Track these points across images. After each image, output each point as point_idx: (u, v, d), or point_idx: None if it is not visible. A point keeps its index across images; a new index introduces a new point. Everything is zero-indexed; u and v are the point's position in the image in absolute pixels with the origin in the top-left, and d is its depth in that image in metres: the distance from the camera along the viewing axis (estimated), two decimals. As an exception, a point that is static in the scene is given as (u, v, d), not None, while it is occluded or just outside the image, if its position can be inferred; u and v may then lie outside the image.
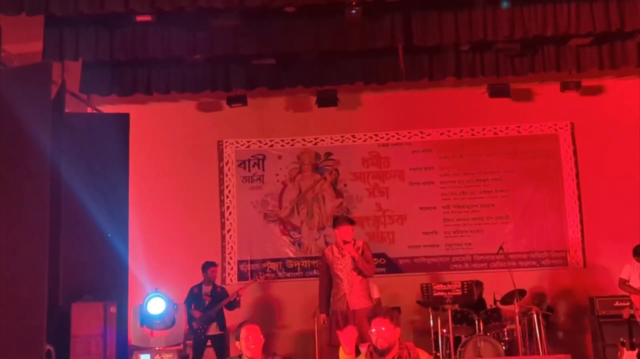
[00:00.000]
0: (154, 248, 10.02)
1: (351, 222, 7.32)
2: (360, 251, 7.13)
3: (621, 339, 8.63)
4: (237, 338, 4.85)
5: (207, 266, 9.06)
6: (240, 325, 4.95)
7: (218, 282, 9.51)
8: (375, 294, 9.38)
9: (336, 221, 7.42)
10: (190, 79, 10.03)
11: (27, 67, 8.84)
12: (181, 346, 5.83)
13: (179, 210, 10.56)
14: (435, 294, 8.03)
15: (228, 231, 10.79)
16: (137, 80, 10.00)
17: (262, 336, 4.88)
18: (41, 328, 8.47)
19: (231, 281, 10.56)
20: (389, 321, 4.75)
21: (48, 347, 8.57)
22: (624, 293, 8.91)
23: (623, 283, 8.47)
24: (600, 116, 10.57)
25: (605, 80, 10.58)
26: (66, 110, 9.67)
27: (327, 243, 10.51)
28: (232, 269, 10.68)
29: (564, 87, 10.25)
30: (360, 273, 7.14)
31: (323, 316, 7.29)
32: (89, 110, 10.42)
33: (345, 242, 7.15)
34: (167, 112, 10.78)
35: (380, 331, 4.70)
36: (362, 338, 6.71)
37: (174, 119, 10.80)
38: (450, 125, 10.84)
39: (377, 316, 4.80)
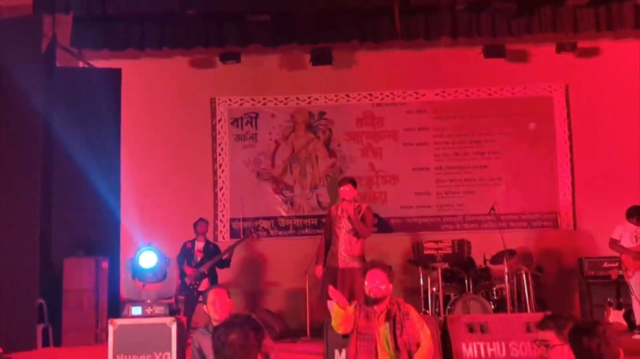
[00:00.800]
0: (146, 204, 10.02)
1: (352, 182, 7.50)
2: (360, 215, 7.36)
3: (608, 300, 8.75)
4: (205, 302, 4.88)
5: (196, 222, 9.07)
6: (209, 289, 4.99)
7: (210, 239, 9.53)
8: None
9: (340, 181, 7.70)
10: (183, 35, 9.94)
11: (17, 19, 8.75)
12: (172, 300, 5.88)
13: (172, 167, 10.53)
14: (425, 252, 8.10)
15: (220, 189, 10.79)
16: (130, 35, 9.91)
17: (229, 299, 4.91)
18: (34, 282, 8.53)
19: (223, 238, 10.59)
20: (385, 276, 4.82)
21: (40, 301, 8.64)
22: (613, 254, 8.99)
23: (614, 243, 8.53)
24: (595, 78, 10.53)
25: (602, 42, 10.51)
26: (57, 65, 9.62)
27: (319, 203, 10.57)
28: (224, 227, 10.70)
29: (560, 48, 10.19)
30: (355, 233, 7.33)
31: (318, 267, 7.56)
32: (81, 64, 10.34)
33: (343, 200, 7.39)
34: (160, 68, 10.68)
35: (375, 283, 4.76)
36: (351, 295, 6.83)
37: (166, 75, 10.71)
38: (445, 86, 10.79)
39: (374, 268, 4.86)
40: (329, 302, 7.09)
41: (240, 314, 3.10)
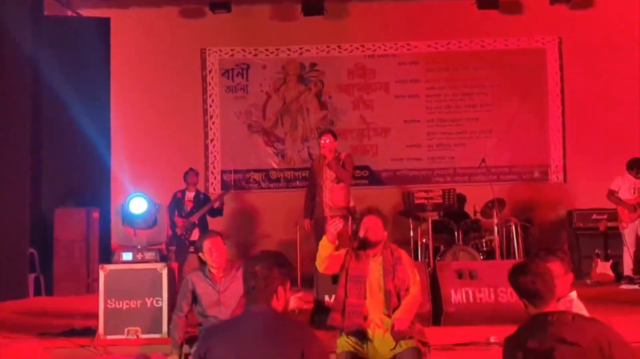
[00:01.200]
0: (136, 154, 9.99)
1: (332, 134, 7.62)
2: (340, 162, 7.50)
3: (596, 251, 8.84)
4: (200, 250, 4.90)
5: (187, 172, 9.04)
6: (203, 237, 4.99)
7: (201, 190, 9.53)
8: (351, 202, 9.49)
9: (320, 133, 7.92)
10: (172, -17, 9.80)
11: (4, -34, 8.58)
12: (163, 246, 5.89)
13: (162, 118, 10.46)
14: (416, 201, 8.12)
15: (211, 141, 10.74)
16: (118, -18, 9.75)
17: (224, 246, 4.96)
18: (24, 232, 8.56)
19: (214, 190, 10.58)
20: (381, 222, 4.83)
21: (31, 251, 8.67)
22: (602, 206, 9.06)
23: (612, 194, 8.56)
24: (589, 31, 10.46)
25: (595, -7, 10.44)
26: (45, 14, 9.49)
27: (310, 155, 10.53)
28: (215, 179, 10.69)
29: (553, 0, 10.11)
30: (338, 179, 7.49)
31: (307, 221, 7.73)
32: (69, 13, 10.19)
33: (322, 147, 7.53)
34: (149, 18, 10.56)
35: (370, 228, 4.77)
36: (341, 243, 6.88)
37: (155, 25, 10.58)
38: (437, 38, 10.70)
39: (371, 213, 4.87)
40: None
41: (271, 251, 3.29)
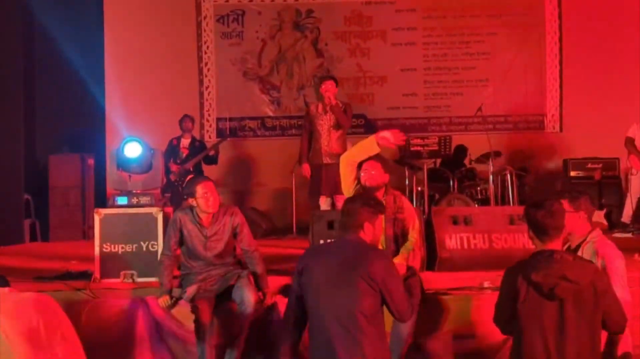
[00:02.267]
0: (130, 100, 9.90)
1: (334, 79, 7.67)
2: (342, 108, 7.53)
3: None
4: (192, 196, 4.87)
5: (182, 118, 8.98)
6: (195, 182, 4.95)
7: (197, 137, 9.50)
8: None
9: (322, 78, 8.00)
10: None
11: None
12: (158, 191, 5.88)
13: (156, 64, 10.32)
14: (412, 149, 8.11)
15: (206, 88, 10.65)
16: None
17: (216, 189, 4.97)
18: (19, 178, 8.55)
19: (210, 138, 10.53)
20: (380, 166, 4.84)
21: (27, 197, 8.67)
22: (598, 155, 9.06)
23: (629, 141, 8.41)
24: (588, -21, 10.34)
25: (598, -62, 10.28)
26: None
27: (306, 103, 10.45)
28: (210, 126, 10.63)
29: (554, -55, 9.96)
30: (337, 127, 7.50)
31: (305, 166, 7.70)
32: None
33: (326, 92, 7.50)
34: (142, -40, 10.36)
35: (370, 173, 4.78)
36: (335, 189, 6.93)
37: (149, -31, 10.40)
38: (435, -16, 10.56)
39: (370, 159, 4.87)
40: (321, 198, 7.45)
41: (363, 193, 4.30)
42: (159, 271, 4.97)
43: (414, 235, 4.94)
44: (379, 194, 4.81)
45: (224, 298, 4.87)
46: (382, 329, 3.64)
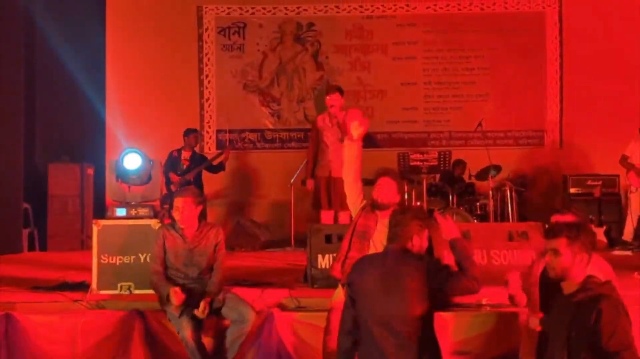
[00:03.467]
0: (131, 111, 9.93)
1: (340, 91, 7.51)
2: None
3: (590, 217, 8.85)
4: (171, 208, 4.91)
5: (189, 132, 8.99)
6: (175, 195, 5.02)
7: (197, 150, 9.49)
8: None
9: (328, 89, 7.73)
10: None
11: None
12: (157, 202, 5.87)
13: (157, 75, 10.36)
14: (411, 163, 8.10)
15: (207, 100, 10.67)
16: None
17: (196, 207, 4.93)
18: (18, 187, 8.54)
19: (209, 149, 10.54)
20: (396, 185, 4.79)
21: (25, 205, 8.66)
22: (598, 172, 9.06)
23: (625, 159, 8.46)
24: (590, -5, 10.37)
25: (598, -44, 10.32)
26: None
27: (306, 116, 10.49)
28: (210, 138, 10.63)
29: (555, -38, 10.01)
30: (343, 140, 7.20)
31: (310, 181, 7.62)
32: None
33: (331, 107, 7.35)
34: (145, -28, 10.41)
35: (384, 190, 4.74)
36: (340, 204, 6.91)
37: (152, -20, 10.44)
38: (436, -1, 10.60)
39: (387, 175, 4.82)
40: (323, 212, 7.38)
41: (414, 206, 4.72)
42: (156, 283, 4.89)
43: None
44: (387, 211, 4.80)
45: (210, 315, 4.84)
46: (432, 335, 3.76)
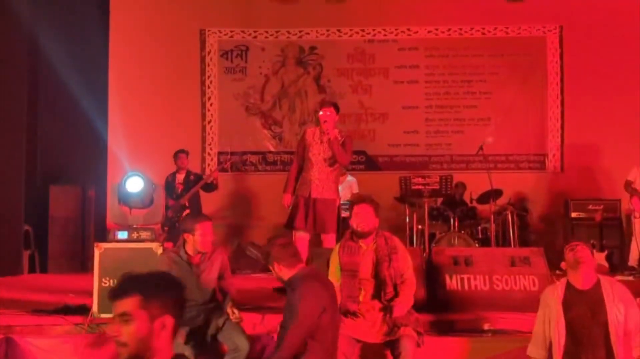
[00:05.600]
0: (133, 134, 9.94)
1: (335, 106, 6.87)
2: (341, 139, 6.73)
3: (592, 241, 8.78)
4: (191, 232, 4.86)
5: (176, 153, 8.95)
6: (195, 221, 4.96)
7: (198, 172, 9.50)
8: (355, 189, 9.47)
9: (322, 104, 7.15)
10: (172, -39, 9.72)
11: None
12: (158, 226, 5.86)
13: (160, 98, 10.39)
14: (413, 187, 8.10)
15: (209, 122, 10.70)
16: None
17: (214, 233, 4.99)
18: (19, 209, 8.53)
19: (211, 172, 10.56)
20: (372, 210, 4.80)
21: (26, 227, 8.64)
22: (599, 196, 9.04)
23: (628, 184, 8.46)
24: (590, 21, 10.41)
25: (599, -18, 10.39)
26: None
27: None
28: (212, 160, 10.65)
29: (557, -13, 10.08)
30: (332, 162, 6.75)
31: (287, 195, 6.91)
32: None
33: (324, 122, 6.69)
34: (149, -4, 10.48)
35: (362, 217, 4.74)
36: (322, 228, 6.64)
37: (155, 4, 10.49)
38: (438, 24, 10.65)
39: (362, 202, 4.85)
40: (296, 233, 6.70)
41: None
42: None
43: (411, 273, 4.89)
44: (369, 239, 4.79)
45: (210, 340, 4.82)
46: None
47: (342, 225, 8.67)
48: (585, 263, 4.14)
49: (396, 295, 4.69)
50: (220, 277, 4.98)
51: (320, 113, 6.77)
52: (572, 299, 4.15)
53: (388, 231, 5.08)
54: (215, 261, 4.95)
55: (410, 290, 4.77)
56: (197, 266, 4.89)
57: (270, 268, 4.34)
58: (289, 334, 4.05)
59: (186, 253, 4.88)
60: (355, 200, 4.96)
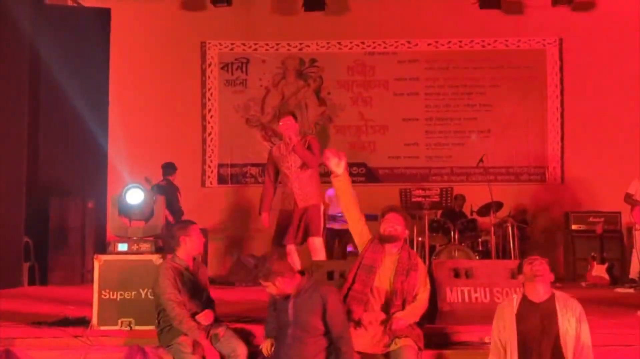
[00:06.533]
0: (134, 146, 9.95)
1: (294, 115, 6.85)
2: (306, 144, 6.72)
3: (592, 254, 8.82)
4: (187, 235, 4.91)
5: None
6: (188, 224, 5.06)
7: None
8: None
9: (280, 114, 7.20)
10: (173, -26, 9.77)
11: (5, -48, 8.53)
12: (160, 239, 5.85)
13: (160, 110, 10.46)
14: (413, 199, 8.10)
15: (209, 134, 10.73)
16: (119, -28, 9.71)
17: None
18: (20, 221, 8.52)
19: (211, 184, 10.61)
20: (402, 219, 4.87)
21: (26, 239, 8.63)
22: (600, 208, 9.03)
23: (629, 197, 8.44)
24: (590, 33, 10.46)
25: (598, -4, 10.44)
26: (46, 2, 9.46)
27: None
28: (212, 172, 10.67)
29: (556, 1, 10.16)
30: (304, 165, 6.72)
31: (265, 215, 6.97)
32: (70, 3, 10.15)
33: (285, 130, 6.72)
34: (150, 9, 10.54)
35: (391, 223, 4.81)
36: (308, 232, 6.66)
37: (156, 17, 10.57)
38: (438, 36, 10.71)
39: (393, 211, 4.93)
40: (289, 247, 6.68)
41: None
42: (183, 315, 4.73)
43: (425, 296, 4.90)
44: (396, 246, 4.83)
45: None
46: None
47: (329, 234, 8.73)
48: (542, 276, 4.25)
49: (402, 308, 4.71)
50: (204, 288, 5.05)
51: (280, 124, 6.82)
52: (526, 311, 4.28)
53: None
54: (201, 266, 5.06)
55: (418, 309, 4.80)
56: (193, 271, 4.93)
57: (271, 284, 4.35)
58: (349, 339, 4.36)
59: (178, 258, 4.92)
60: (388, 208, 5.00)
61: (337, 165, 4.90)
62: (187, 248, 4.92)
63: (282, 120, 6.80)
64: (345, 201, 5.00)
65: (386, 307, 4.72)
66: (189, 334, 4.72)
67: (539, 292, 4.27)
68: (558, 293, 4.34)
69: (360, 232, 4.97)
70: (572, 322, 4.19)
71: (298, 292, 4.40)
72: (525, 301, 4.31)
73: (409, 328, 4.62)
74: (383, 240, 4.83)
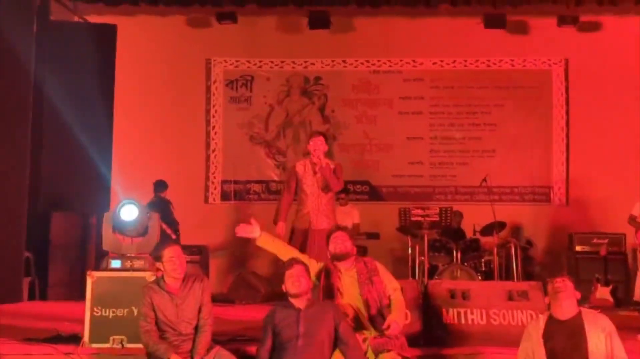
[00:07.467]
0: (137, 162, 10.00)
1: (325, 136, 6.88)
2: (333, 167, 6.72)
3: (596, 276, 8.72)
4: (159, 260, 4.76)
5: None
6: (160, 248, 4.85)
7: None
8: (356, 219, 9.43)
9: (311, 134, 7.13)
10: (179, -8, 9.82)
11: (10, -31, 8.60)
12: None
13: (164, 127, 10.48)
14: (412, 219, 8.05)
15: (213, 151, 10.73)
16: (125, -12, 9.79)
17: (184, 256, 4.88)
18: (21, 236, 8.52)
19: (214, 200, 10.59)
20: (346, 235, 4.98)
21: (27, 254, 8.62)
22: (604, 230, 8.94)
23: (633, 219, 8.37)
24: (595, 54, 10.41)
25: (603, 16, 10.39)
26: (51, 18, 9.52)
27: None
28: (215, 189, 10.66)
29: (561, 21, 10.10)
30: (327, 189, 6.72)
31: (280, 224, 6.84)
32: (75, 19, 10.22)
33: (314, 151, 6.66)
34: (155, 26, 10.59)
35: (337, 242, 4.89)
36: (320, 258, 6.65)
37: (162, 34, 10.61)
38: (443, 55, 10.68)
39: (335, 231, 5.06)
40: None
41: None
42: (151, 343, 4.65)
43: (398, 294, 4.88)
44: (349, 262, 4.87)
45: None
46: None
47: None
48: (564, 291, 4.23)
49: (381, 316, 4.70)
50: (201, 306, 4.87)
51: (310, 143, 6.75)
52: (553, 330, 4.24)
53: (392, 265, 5.17)
54: (196, 290, 4.85)
55: (401, 308, 4.80)
56: (177, 295, 4.79)
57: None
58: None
59: (165, 282, 4.80)
60: (330, 233, 5.07)
61: (253, 233, 5.21)
62: (168, 272, 4.77)
63: (312, 140, 6.73)
64: (276, 252, 5.20)
65: (360, 326, 4.70)
66: (160, 356, 4.62)
67: (564, 309, 4.24)
68: (585, 310, 4.33)
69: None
70: (601, 338, 4.15)
71: (308, 305, 4.54)
72: (551, 320, 4.28)
73: (393, 340, 4.59)
74: (336, 258, 4.86)
